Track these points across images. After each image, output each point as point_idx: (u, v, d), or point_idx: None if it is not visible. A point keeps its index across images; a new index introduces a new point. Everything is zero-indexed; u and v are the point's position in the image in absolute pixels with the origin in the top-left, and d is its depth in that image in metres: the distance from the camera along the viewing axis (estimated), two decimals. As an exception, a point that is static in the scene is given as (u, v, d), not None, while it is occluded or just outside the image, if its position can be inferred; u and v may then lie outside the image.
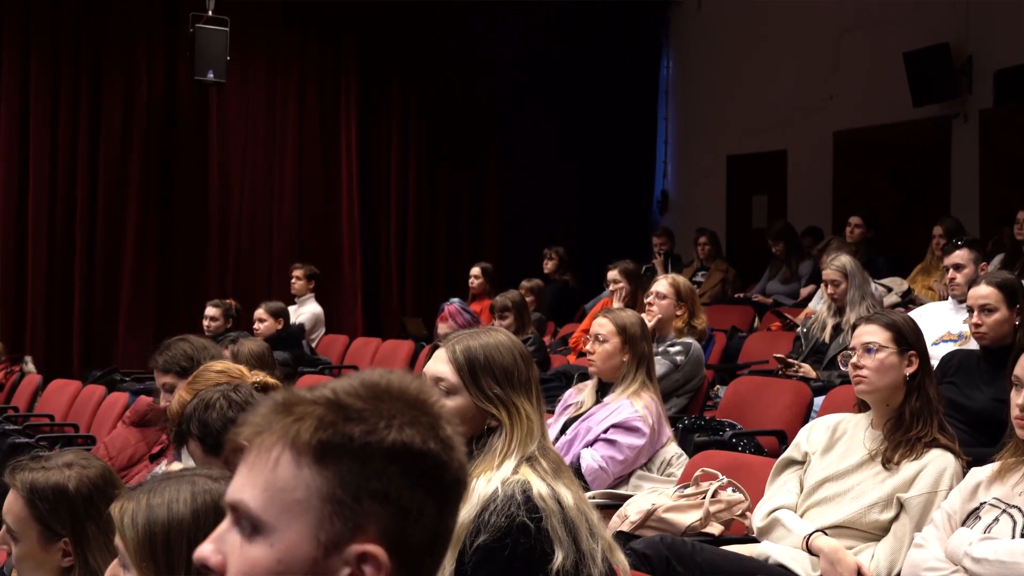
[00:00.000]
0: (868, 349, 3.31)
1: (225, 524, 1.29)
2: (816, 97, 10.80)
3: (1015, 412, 2.92)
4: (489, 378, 2.38)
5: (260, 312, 7.70)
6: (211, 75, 8.98)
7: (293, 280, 9.17)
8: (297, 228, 10.61)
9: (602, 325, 4.42)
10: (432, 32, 11.02)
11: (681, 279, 5.66)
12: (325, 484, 1.24)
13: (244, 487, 1.28)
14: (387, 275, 11.05)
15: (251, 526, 1.26)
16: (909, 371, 3.29)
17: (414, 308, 10.75)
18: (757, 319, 8.23)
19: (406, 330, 9.21)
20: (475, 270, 8.95)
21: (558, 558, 2.23)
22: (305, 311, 8.92)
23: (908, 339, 3.32)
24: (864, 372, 3.30)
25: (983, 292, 4.29)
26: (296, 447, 1.26)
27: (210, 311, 7.67)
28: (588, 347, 4.47)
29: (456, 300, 6.63)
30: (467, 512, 2.28)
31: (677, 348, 5.35)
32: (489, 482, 2.31)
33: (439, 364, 2.45)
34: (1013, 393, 2.95)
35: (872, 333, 3.34)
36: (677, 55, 12.60)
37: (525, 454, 2.34)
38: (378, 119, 11.02)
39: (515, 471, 2.34)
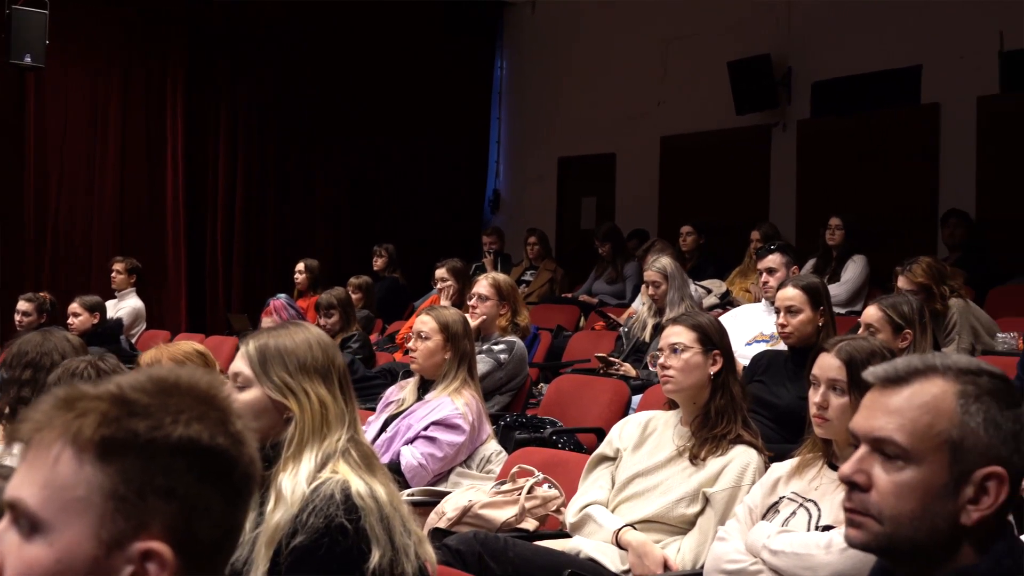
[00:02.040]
0: (675, 349, 3.41)
1: (3, 523, 1.25)
2: (645, 102, 11.05)
3: (813, 410, 3.05)
4: (279, 368, 2.36)
5: (75, 306, 7.44)
6: (28, 59, 8.61)
7: (113, 274, 8.91)
8: (119, 220, 10.28)
9: (425, 323, 4.43)
10: (262, 23, 10.84)
11: (502, 278, 5.71)
12: (108, 481, 1.22)
13: (23, 485, 1.24)
14: (213, 270, 10.81)
15: (29, 525, 1.23)
16: (714, 370, 3.40)
17: (241, 304, 10.55)
18: (583, 318, 8.37)
19: (231, 326, 9.04)
20: (300, 266, 8.86)
21: (375, 557, 2.22)
22: (125, 305, 8.67)
23: (713, 339, 3.43)
24: (671, 372, 3.40)
25: (789, 294, 4.47)
26: (78, 443, 1.23)
27: (22, 305, 7.39)
28: (410, 344, 4.47)
29: (283, 296, 6.54)
30: (283, 512, 2.26)
31: (501, 346, 5.40)
32: (295, 476, 2.28)
33: (237, 359, 2.43)
34: (811, 392, 3.08)
35: (678, 334, 3.44)
36: (510, 57, 12.72)
37: (331, 446, 2.32)
38: (206, 109, 10.76)
39: (331, 467, 2.32)
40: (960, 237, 8.15)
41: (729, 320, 5.86)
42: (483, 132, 12.50)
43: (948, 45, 8.80)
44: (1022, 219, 8.15)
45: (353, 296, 7.82)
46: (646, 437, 3.52)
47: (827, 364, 3.00)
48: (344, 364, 2.48)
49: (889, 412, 1.56)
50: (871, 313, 4.11)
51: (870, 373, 1.62)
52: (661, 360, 3.44)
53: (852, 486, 1.57)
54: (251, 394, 2.37)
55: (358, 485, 2.28)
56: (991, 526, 1.53)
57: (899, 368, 1.58)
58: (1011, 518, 3.34)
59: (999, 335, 5.51)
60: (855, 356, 2.91)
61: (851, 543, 1.58)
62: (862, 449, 1.58)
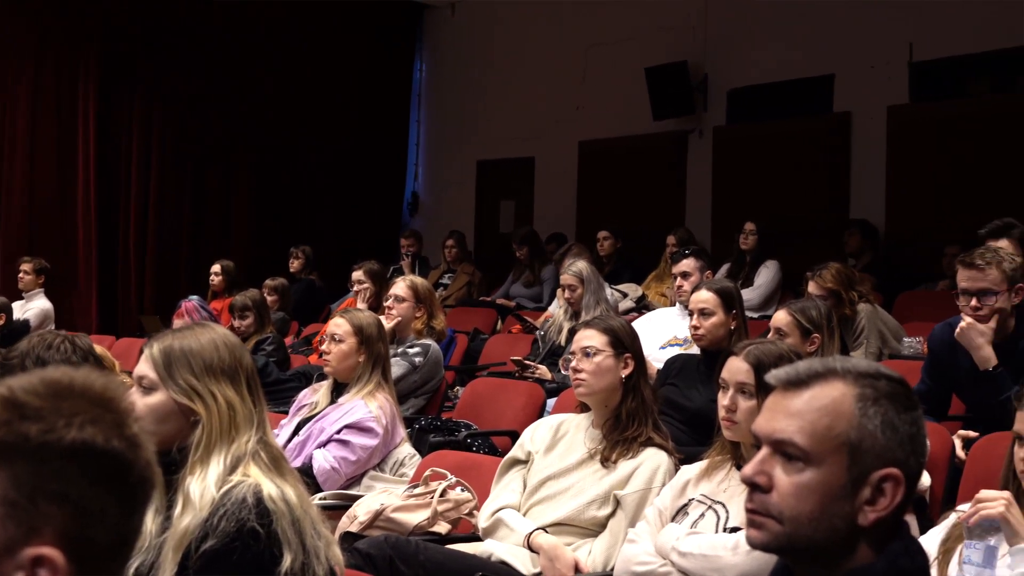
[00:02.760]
0: (587, 353, 3.43)
1: None
2: (563, 107, 11.10)
3: (722, 413, 3.09)
4: (184, 370, 2.32)
5: (-21, 307, 7.28)
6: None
7: (21, 274, 8.71)
8: (27, 219, 10.03)
9: (339, 325, 4.40)
10: (178, 20, 10.67)
11: (419, 280, 5.70)
12: None
13: None
14: (125, 271, 10.59)
15: (-85, 532, 1.19)
16: (625, 373, 3.43)
17: (154, 306, 10.37)
18: (500, 322, 8.38)
19: (143, 328, 8.89)
20: (215, 267, 8.75)
21: (286, 561, 2.20)
22: (33, 306, 8.49)
23: (624, 343, 3.46)
24: (582, 375, 3.42)
25: (702, 297, 4.53)
26: (-33, 448, 1.20)
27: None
28: (324, 347, 4.44)
29: (195, 297, 6.44)
30: (192, 516, 2.22)
31: (416, 349, 5.39)
32: (203, 480, 2.25)
33: (141, 362, 2.38)
34: (720, 395, 3.12)
35: (590, 338, 3.46)
36: (430, 59, 12.70)
37: (240, 448, 2.29)
38: (119, 108, 10.53)
39: (242, 470, 2.29)
40: (854, 245, 8.32)
41: (644, 324, 5.91)
42: (402, 134, 12.46)
43: (859, 55, 8.98)
44: (930, 225, 8.33)
45: (268, 298, 7.74)
46: (558, 440, 3.53)
47: (735, 368, 3.04)
48: (252, 365, 2.44)
49: (790, 415, 1.58)
50: (780, 318, 4.17)
51: (772, 376, 1.64)
52: (573, 364, 3.46)
53: (753, 487, 1.59)
54: (156, 397, 2.33)
55: (270, 488, 2.25)
56: (888, 526, 1.56)
57: (800, 371, 1.60)
58: (912, 518, 3.40)
59: (905, 339, 5.62)
60: (763, 360, 2.95)
61: (752, 544, 1.60)
62: (763, 451, 1.60)
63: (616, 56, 10.65)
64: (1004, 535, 2.52)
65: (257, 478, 2.26)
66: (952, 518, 2.75)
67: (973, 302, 4.04)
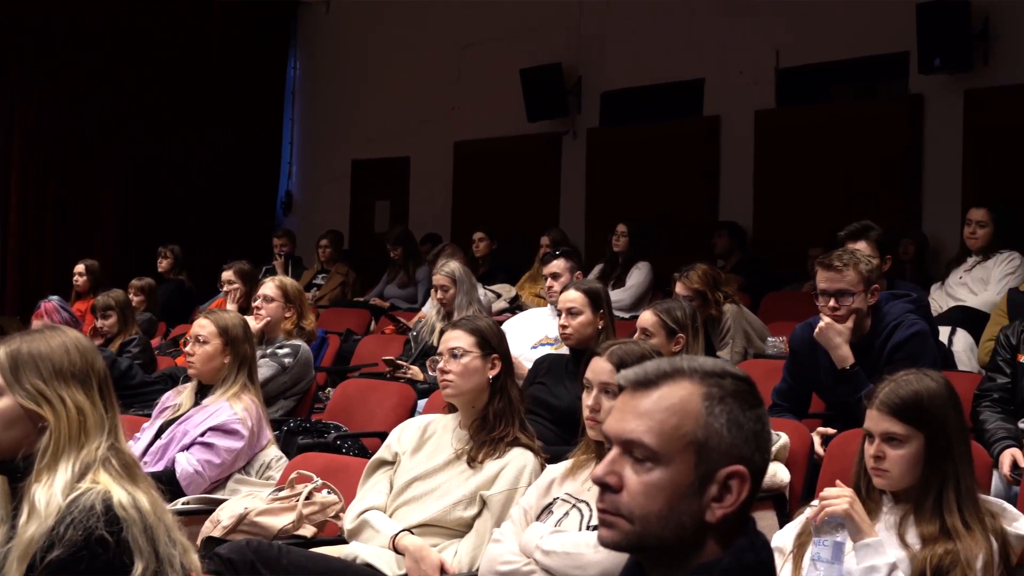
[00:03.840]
0: (454, 354, 3.43)
1: None
2: (439, 107, 11.09)
3: (586, 412, 3.12)
4: (32, 374, 2.24)
5: None
6: None
7: None
8: None
9: (203, 326, 4.32)
10: (43, 14, 10.34)
11: (288, 280, 5.63)
12: None
13: None
14: (-15, 271, 10.26)
15: None
16: (493, 374, 3.43)
17: (15, 306, 10.04)
18: (373, 322, 8.33)
19: (2, 330, 8.59)
20: (79, 267, 8.50)
21: (137, 569, 2.14)
22: None
23: (492, 343, 3.46)
24: (450, 376, 3.41)
25: (570, 297, 4.58)
26: None
27: None
28: (188, 348, 4.36)
29: (55, 298, 6.24)
30: (37, 525, 2.15)
31: (286, 350, 5.32)
32: (49, 488, 2.18)
33: None
34: (584, 394, 3.15)
35: (457, 338, 3.46)
36: (305, 56, 12.56)
37: (90, 455, 2.22)
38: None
39: (91, 477, 2.22)
40: (721, 247, 8.51)
41: (516, 324, 5.94)
42: (276, 132, 12.29)
43: (728, 61, 9.16)
44: (795, 227, 8.53)
45: (135, 299, 7.56)
46: (425, 441, 3.52)
47: (599, 368, 3.07)
48: (105, 369, 2.37)
49: (639, 415, 1.60)
50: (646, 318, 4.23)
51: (621, 377, 1.66)
52: (440, 365, 3.45)
53: (604, 487, 1.61)
54: (2, 403, 2.25)
55: (120, 495, 2.19)
56: (734, 522, 1.59)
57: (648, 372, 1.62)
58: (772, 513, 3.48)
59: (769, 339, 5.75)
60: (625, 360, 2.98)
61: (603, 543, 1.62)
62: (614, 451, 1.62)
63: (491, 57, 10.68)
64: (848, 531, 2.59)
65: (107, 485, 2.20)
66: (807, 512, 2.82)
67: (831, 302, 4.15)
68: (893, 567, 2.50)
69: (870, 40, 8.41)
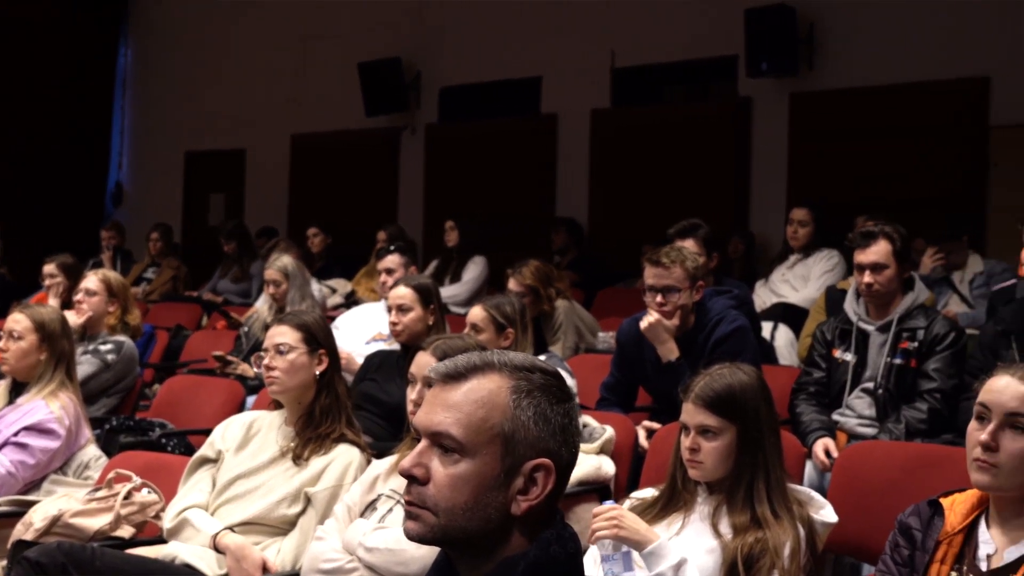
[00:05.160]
0: (279, 350, 3.37)
1: None
2: (276, 99, 10.93)
3: (410, 407, 3.11)
4: None
5: None
6: None
7: None
8: None
9: (17, 321, 4.14)
10: None
11: (112, 274, 5.45)
12: None
13: None
14: None
15: None
16: (320, 370, 3.39)
17: None
18: (205, 317, 8.14)
19: None
20: None
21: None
22: None
23: (318, 339, 3.42)
24: (275, 373, 3.35)
25: (400, 293, 4.56)
26: None
27: None
28: (2, 344, 4.17)
29: None
30: None
31: (109, 346, 5.15)
32: None
33: None
34: (409, 389, 3.14)
35: (283, 334, 3.40)
36: (137, 43, 12.20)
37: None
38: None
39: None
40: (560, 243, 8.62)
41: (349, 319, 5.90)
42: (105, 121, 11.91)
43: (566, 59, 9.27)
44: (629, 224, 8.69)
45: (-51, 293, 7.22)
46: (250, 438, 3.46)
47: (423, 362, 3.07)
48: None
49: (447, 407, 1.60)
50: (476, 313, 4.25)
51: (431, 370, 1.66)
52: (265, 361, 3.39)
53: (411, 479, 1.60)
54: None
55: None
56: (541, 515, 1.60)
57: (458, 365, 1.63)
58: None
59: (600, 334, 5.85)
60: (449, 354, 2.96)
61: (409, 535, 1.61)
62: (422, 444, 1.62)
63: (330, 50, 10.58)
64: (629, 545, 2.62)
65: None
66: (626, 504, 2.87)
67: (658, 298, 4.24)
68: (679, 565, 2.56)
69: (701, 43, 8.63)
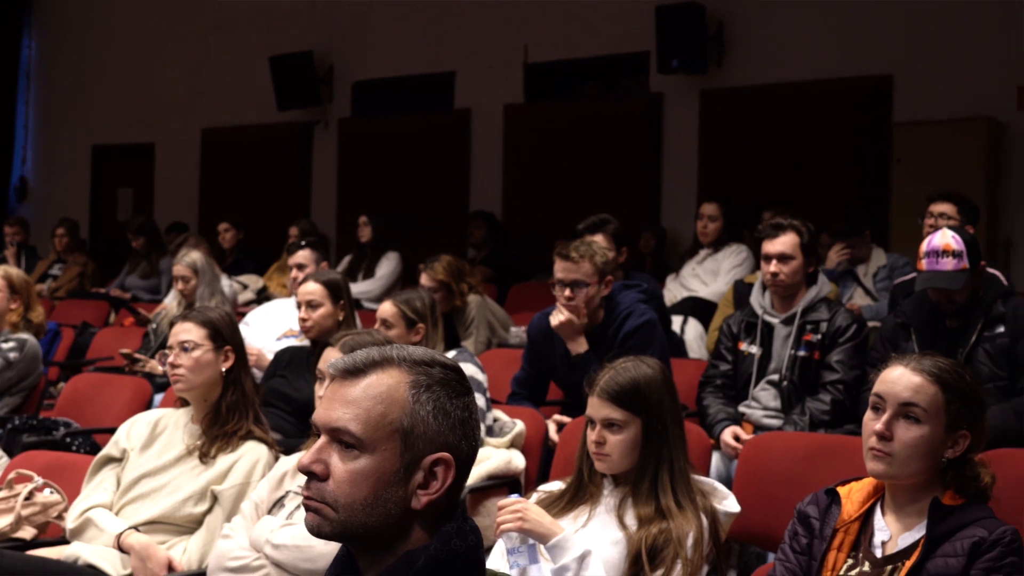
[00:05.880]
0: (184, 347, 3.33)
1: None
2: (185, 93, 10.77)
3: (317, 403, 3.09)
4: None
5: None
6: None
7: None
8: None
9: (-87, 319, 4.05)
10: None
11: (14, 270, 5.34)
12: None
13: None
14: None
15: None
16: (226, 366, 3.36)
17: None
18: (113, 314, 8.01)
19: None
20: None
21: None
22: None
23: (224, 335, 3.38)
24: (181, 371, 3.32)
25: (309, 289, 4.54)
26: None
27: None
28: None
29: None
30: None
31: (11, 344, 5.04)
32: None
33: None
34: (317, 385, 3.13)
35: (188, 331, 3.36)
36: (41, 35, 11.94)
37: None
38: None
39: None
40: (479, 236, 8.63)
41: (260, 315, 5.84)
42: (8, 115, 11.64)
43: (479, 55, 9.28)
44: (543, 219, 8.73)
45: None
46: (156, 436, 3.41)
47: (331, 358, 3.03)
48: None
49: (346, 403, 1.60)
50: (386, 309, 4.24)
51: (330, 366, 1.65)
52: (170, 359, 3.34)
53: (310, 476, 1.60)
54: None
55: None
56: (441, 509, 1.61)
57: (357, 360, 1.63)
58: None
59: (512, 329, 5.87)
60: (357, 350, 2.97)
61: (310, 531, 1.61)
62: (321, 439, 1.61)
63: (240, 43, 10.46)
64: (534, 538, 2.64)
65: None
66: (533, 497, 2.88)
67: (567, 292, 4.27)
68: (584, 557, 2.58)
69: (613, 40, 8.70)
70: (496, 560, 2.74)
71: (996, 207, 7.36)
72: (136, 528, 3.19)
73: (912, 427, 2.34)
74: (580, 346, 4.27)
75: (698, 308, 6.18)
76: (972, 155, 7.30)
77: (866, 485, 2.48)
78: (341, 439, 1.59)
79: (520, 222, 9.02)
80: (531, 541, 2.63)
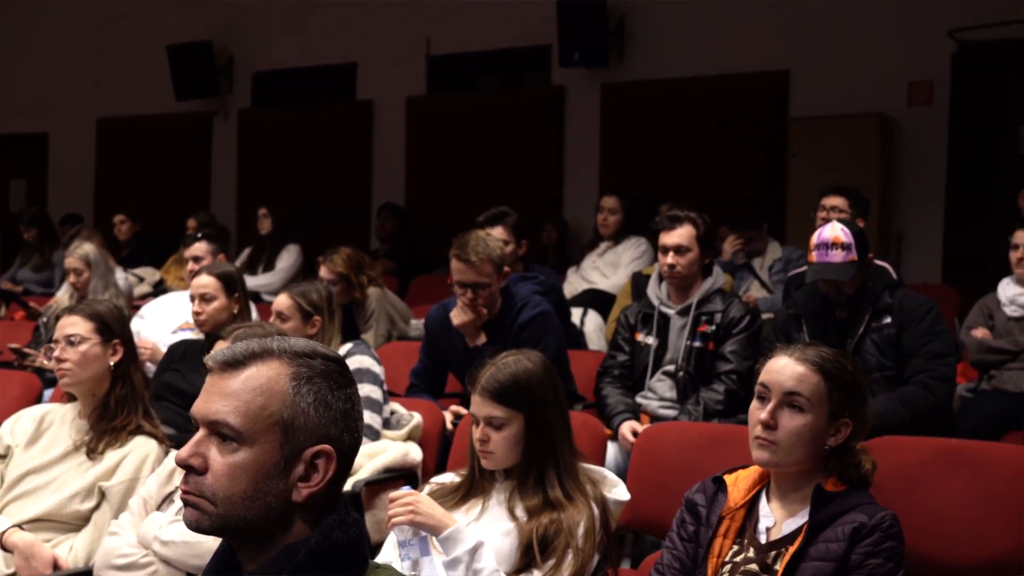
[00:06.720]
0: (71, 341, 3.26)
1: None
2: (81, 82, 10.54)
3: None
4: None
5: None
6: None
7: None
8: None
9: None
10: None
11: None
12: None
13: None
14: None
15: None
16: (114, 360, 3.29)
17: None
18: (4, 308, 7.80)
19: None
20: None
21: None
22: None
23: (112, 328, 3.31)
24: (67, 365, 3.24)
25: (203, 282, 4.48)
26: None
27: None
28: None
29: None
30: None
31: None
32: None
33: None
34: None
35: (74, 324, 3.29)
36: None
37: None
38: None
39: None
40: (391, 229, 8.59)
41: (156, 308, 5.74)
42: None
43: (381, 46, 9.23)
44: (446, 210, 8.71)
45: None
46: (42, 432, 3.33)
47: (222, 351, 3.00)
48: None
49: (225, 395, 1.57)
50: (281, 301, 4.20)
51: (209, 358, 1.63)
52: (56, 352, 3.27)
53: (189, 470, 1.57)
54: None
55: None
56: (322, 501, 1.59)
57: (236, 352, 1.60)
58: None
59: (413, 321, 5.86)
60: (248, 342, 2.93)
61: (188, 525, 1.58)
62: (200, 433, 1.59)
63: (137, 31, 10.27)
64: (426, 531, 2.64)
65: None
66: (426, 489, 2.88)
67: (469, 294, 4.26)
68: (476, 548, 2.59)
69: (515, 33, 8.72)
70: (388, 553, 2.73)
71: (888, 200, 7.53)
72: (20, 526, 3.11)
73: (796, 416, 2.39)
74: (479, 339, 4.27)
75: (598, 300, 6.23)
76: (866, 150, 7.46)
77: (752, 473, 2.52)
78: (220, 432, 1.57)
79: (423, 214, 8.99)
80: (423, 533, 2.63)
